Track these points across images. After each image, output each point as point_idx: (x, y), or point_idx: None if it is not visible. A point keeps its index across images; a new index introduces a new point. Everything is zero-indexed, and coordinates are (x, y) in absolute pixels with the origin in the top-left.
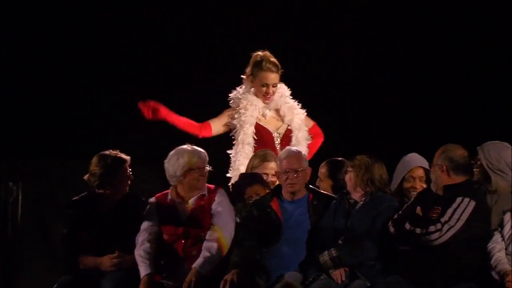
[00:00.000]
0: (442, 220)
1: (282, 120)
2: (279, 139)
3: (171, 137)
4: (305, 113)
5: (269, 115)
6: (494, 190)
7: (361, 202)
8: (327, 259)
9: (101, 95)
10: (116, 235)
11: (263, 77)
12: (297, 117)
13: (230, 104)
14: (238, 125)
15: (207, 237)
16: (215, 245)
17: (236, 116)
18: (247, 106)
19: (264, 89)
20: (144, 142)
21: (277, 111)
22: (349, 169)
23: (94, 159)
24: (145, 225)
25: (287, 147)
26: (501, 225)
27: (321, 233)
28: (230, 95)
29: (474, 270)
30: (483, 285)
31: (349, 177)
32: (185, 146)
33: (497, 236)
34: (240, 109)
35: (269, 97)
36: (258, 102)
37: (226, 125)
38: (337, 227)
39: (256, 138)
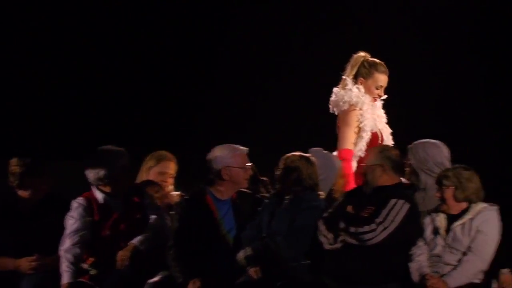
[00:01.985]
0: (377, 220)
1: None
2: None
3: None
4: None
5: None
6: (423, 188)
7: (286, 201)
8: (242, 258)
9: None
10: (36, 236)
11: (380, 79)
12: (384, 122)
13: (342, 106)
14: (363, 127)
15: (150, 220)
16: (158, 225)
17: (362, 117)
18: (369, 109)
19: (378, 91)
20: None
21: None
22: (280, 168)
23: (14, 159)
24: (74, 226)
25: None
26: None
27: (246, 232)
28: (333, 95)
29: (400, 271)
30: (408, 286)
31: (279, 176)
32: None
33: (419, 240)
34: (363, 111)
35: (378, 99)
36: (370, 102)
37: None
38: (262, 226)
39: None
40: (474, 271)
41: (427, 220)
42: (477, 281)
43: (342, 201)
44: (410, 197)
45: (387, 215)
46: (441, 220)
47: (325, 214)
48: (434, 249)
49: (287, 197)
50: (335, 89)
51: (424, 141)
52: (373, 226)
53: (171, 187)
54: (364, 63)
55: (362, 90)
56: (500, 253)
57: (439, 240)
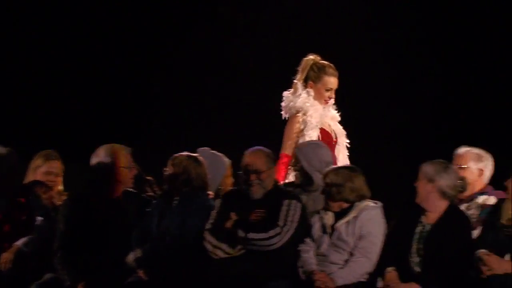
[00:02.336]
0: (280, 224)
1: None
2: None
3: None
4: None
5: (329, 120)
6: (314, 190)
7: (176, 202)
8: (132, 260)
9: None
10: None
11: (329, 82)
12: (337, 123)
13: (289, 111)
14: (305, 132)
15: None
16: (44, 226)
17: (304, 123)
18: (314, 113)
19: (328, 94)
20: None
21: (331, 116)
22: (168, 168)
23: None
24: None
25: None
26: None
27: (135, 233)
28: (284, 100)
29: (290, 267)
30: (297, 283)
31: (168, 176)
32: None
33: (307, 238)
34: (307, 116)
35: (329, 102)
36: (320, 107)
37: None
38: (151, 227)
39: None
40: (362, 272)
41: (315, 218)
42: (363, 280)
43: (221, 207)
44: (298, 196)
45: (287, 216)
46: (328, 218)
47: (208, 226)
48: (321, 248)
49: (176, 197)
50: (285, 94)
51: (309, 142)
52: (277, 229)
53: (60, 187)
54: (313, 67)
55: (312, 94)
56: (385, 251)
57: (326, 239)
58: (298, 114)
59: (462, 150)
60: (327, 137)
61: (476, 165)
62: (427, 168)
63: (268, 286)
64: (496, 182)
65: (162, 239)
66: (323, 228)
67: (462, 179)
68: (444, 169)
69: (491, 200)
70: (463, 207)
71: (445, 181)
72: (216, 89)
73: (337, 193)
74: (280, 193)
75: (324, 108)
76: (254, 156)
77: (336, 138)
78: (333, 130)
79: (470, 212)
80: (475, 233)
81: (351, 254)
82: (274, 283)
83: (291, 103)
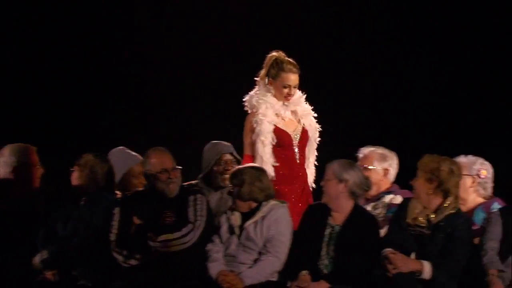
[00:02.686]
0: (191, 220)
1: (298, 121)
2: (297, 140)
3: None
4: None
5: (288, 117)
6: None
7: (82, 203)
8: (38, 262)
9: None
10: None
11: (286, 78)
12: (311, 118)
13: (248, 109)
14: (257, 131)
15: None
16: None
17: (255, 122)
18: (266, 111)
19: (286, 90)
20: None
21: (294, 112)
22: (75, 168)
23: None
24: None
25: None
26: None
27: (40, 234)
28: (244, 99)
29: (198, 267)
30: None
31: (75, 176)
32: None
33: (215, 237)
34: (258, 114)
35: (290, 98)
36: (278, 104)
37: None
38: (57, 228)
39: (275, 142)
40: (270, 271)
41: (223, 219)
42: (272, 279)
43: (122, 215)
44: (201, 190)
45: (195, 211)
46: (236, 218)
47: (113, 237)
48: (229, 248)
49: (83, 198)
50: (250, 93)
51: (213, 143)
52: (190, 226)
53: None
54: (273, 63)
55: (272, 91)
56: (295, 254)
57: (234, 239)
58: (252, 112)
59: (366, 150)
60: (282, 136)
61: (381, 165)
62: (336, 168)
63: (176, 287)
64: (401, 181)
65: (69, 239)
66: (231, 229)
67: (367, 178)
68: (352, 168)
69: (398, 199)
70: (369, 206)
71: (354, 180)
72: (179, 87)
73: (248, 193)
74: (183, 190)
75: (285, 105)
76: (165, 155)
77: (302, 135)
78: (298, 128)
79: (377, 212)
80: (382, 232)
81: (260, 254)
82: (182, 283)
83: (248, 101)
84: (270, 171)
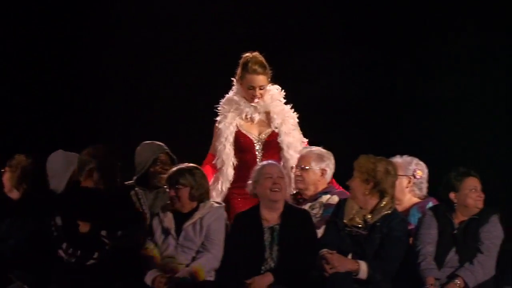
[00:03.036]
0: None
1: (269, 124)
2: (260, 145)
3: None
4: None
5: (258, 119)
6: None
7: (15, 204)
8: None
9: None
10: None
11: (249, 79)
12: (287, 120)
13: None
14: (218, 133)
15: None
16: None
17: (218, 122)
18: (229, 113)
19: (251, 91)
20: None
21: (268, 114)
22: (6, 169)
23: None
24: None
25: None
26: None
27: None
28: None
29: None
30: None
31: (6, 177)
32: None
33: (149, 240)
34: (221, 116)
35: (256, 100)
36: (245, 105)
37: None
38: None
39: (234, 145)
40: (207, 269)
41: (155, 222)
42: (209, 278)
43: (65, 216)
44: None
45: (141, 205)
46: (169, 220)
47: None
48: (167, 250)
49: (15, 199)
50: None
51: (145, 143)
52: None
53: None
54: (242, 65)
55: (241, 92)
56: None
57: (171, 240)
58: (219, 114)
59: (304, 151)
60: (242, 140)
61: (318, 165)
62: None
63: (114, 286)
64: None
65: (4, 241)
66: (166, 230)
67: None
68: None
69: (334, 199)
70: (307, 206)
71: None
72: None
73: (198, 193)
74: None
75: (253, 106)
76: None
77: (270, 137)
78: (267, 130)
79: (313, 212)
80: (319, 232)
81: (197, 253)
82: (120, 283)
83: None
84: (230, 172)
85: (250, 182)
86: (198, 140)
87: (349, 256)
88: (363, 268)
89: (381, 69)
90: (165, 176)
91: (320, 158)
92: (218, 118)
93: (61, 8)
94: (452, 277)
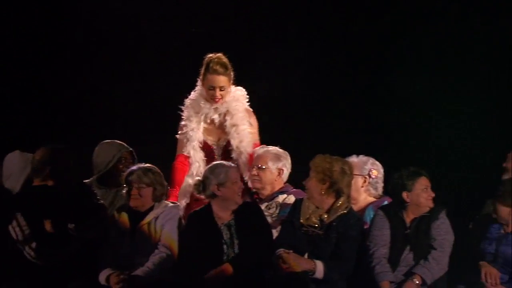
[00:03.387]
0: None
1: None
2: (220, 151)
3: None
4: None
5: (218, 121)
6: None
7: None
8: None
9: None
10: None
11: (210, 79)
12: (240, 123)
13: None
14: (184, 140)
15: None
16: None
17: (183, 128)
18: (192, 118)
19: (211, 92)
20: None
21: (227, 112)
22: None
23: None
24: None
25: None
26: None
27: None
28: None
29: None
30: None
31: None
32: None
33: (105, 240)
34: (185, 119)
35: (217, 101)
36: (206, 107)
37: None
38: None
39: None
40: (163, 267)
41: (110, 222)
42: (167, 278)
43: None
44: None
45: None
46: (124, 220)
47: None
48: (122, 249)
49: None
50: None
51: (106, 142)
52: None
53: None
54: (204, 65)
55: (204, 93)
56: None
57: (126, 240)
58: (182, 117)
59: (260, 151)
60: (202, 146)
61: (275, 165)
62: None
63: (70, 286)
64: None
65: None
66: (121, 231)
67: None
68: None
69: (291, 199)
70: (263, 206)
71: None
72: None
73: (159, 194)
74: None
75: (214, 107)
76: None
77: (229, 144)
78: (225, 136)
79: (270, 211)
80: (275, 232)
81: (152, 252)
82: (75, 283)
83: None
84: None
85: (202, 182)
86: (154, 140)
87: (306, 256)
88: (319, 268)
89: (338, 68)
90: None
91: (277, 157)
92: (183, 122)
93: (27, 7)
94: (408, 275)
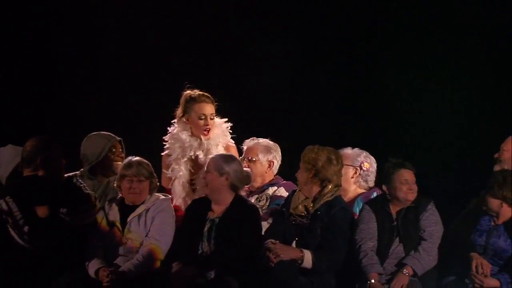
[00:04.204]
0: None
1: None
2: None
3: None
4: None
5: (203, 159)
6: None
7: None
8: None
9: None
10: None
11: (200, 108)
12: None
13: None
14: (173, 177)
15: None
16: None
17: (172, 166)
18: (180, 160)
19: (202, 121)
20: None
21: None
22: None
23: None
24: None
25: None
26: None
27: None
28: (165, 140)
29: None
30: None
31: None
32: None
33: (94, 233)
34: (173, 160)
35: (209, 130)
36: (192, 144)
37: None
38: None
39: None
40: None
41: (99, 215)
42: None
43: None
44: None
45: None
46: (115, 213)
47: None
48: (112, 242)
49: None
50: (170, 129)
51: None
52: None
53: None
54: (187, 99)
55: (190, 129)
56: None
57: (116, 232)
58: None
59: (251, 143)
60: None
61: (266, 157)
62: (217, 160)
63: (56, 281)
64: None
65: None
66: (110, 223)
67: (247, 172)
68: (233, 161)
69: (281, 191)
70: (253, 198)
71: (234, 173)
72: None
73: (153, 187)
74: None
75: (202, 143)
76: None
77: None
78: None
79: (260, 204)
80: (265, 224)
81: (142, 244)
82: (62, 278)
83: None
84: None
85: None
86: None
87: (293, 245)
88: (307, 257)
89: (329, 62)
90: (120, 163)
91: (267, 150)
92: (171, 165)
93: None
94: (399, 266)
